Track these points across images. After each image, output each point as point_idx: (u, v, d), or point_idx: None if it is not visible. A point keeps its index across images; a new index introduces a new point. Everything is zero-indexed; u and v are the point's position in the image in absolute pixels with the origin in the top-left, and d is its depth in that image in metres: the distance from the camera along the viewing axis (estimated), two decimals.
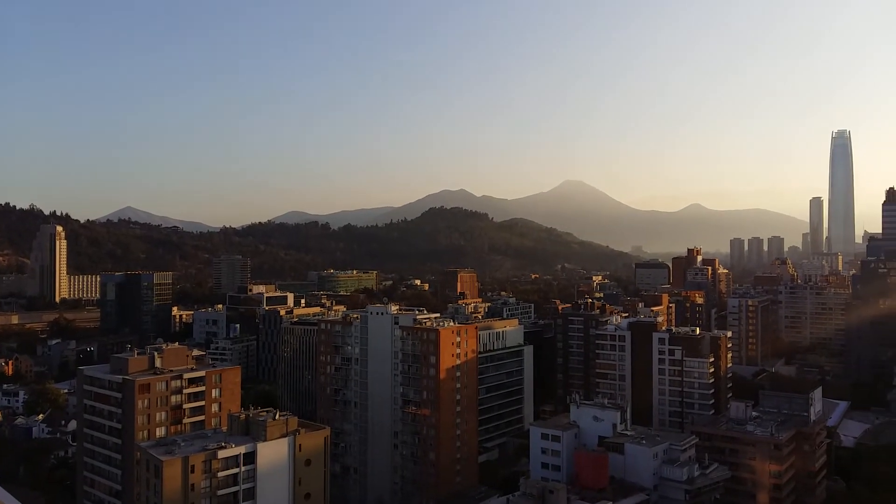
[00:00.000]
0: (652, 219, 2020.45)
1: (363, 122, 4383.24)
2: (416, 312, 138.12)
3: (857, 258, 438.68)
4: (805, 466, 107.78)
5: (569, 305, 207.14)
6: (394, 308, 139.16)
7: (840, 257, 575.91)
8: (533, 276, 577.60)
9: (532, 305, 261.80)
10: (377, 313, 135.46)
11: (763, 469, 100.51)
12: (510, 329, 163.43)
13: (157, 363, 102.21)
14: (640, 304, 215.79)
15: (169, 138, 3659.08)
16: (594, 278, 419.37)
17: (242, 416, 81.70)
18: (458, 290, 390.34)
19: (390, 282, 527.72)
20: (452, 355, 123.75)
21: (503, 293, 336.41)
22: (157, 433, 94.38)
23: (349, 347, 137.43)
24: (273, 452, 77.97)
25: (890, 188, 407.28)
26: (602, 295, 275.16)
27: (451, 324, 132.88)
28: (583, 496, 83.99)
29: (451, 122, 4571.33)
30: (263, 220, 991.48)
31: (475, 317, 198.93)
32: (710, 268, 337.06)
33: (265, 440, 77.67)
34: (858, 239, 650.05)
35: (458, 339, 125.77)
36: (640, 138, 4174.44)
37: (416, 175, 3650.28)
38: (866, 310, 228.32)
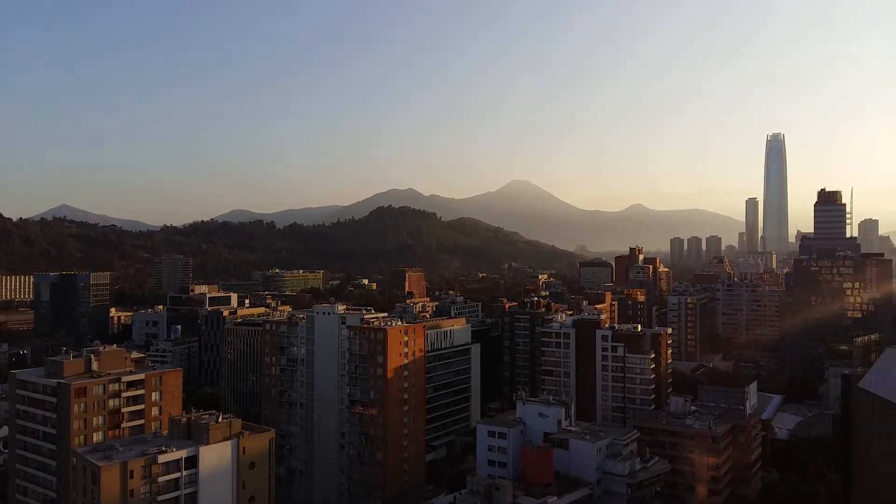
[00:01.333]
0: (596, 218, 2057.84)
1: (310, 121, 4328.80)
2: (364, 312, 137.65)
3: (790, 257, 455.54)
4: (741, 458, 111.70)
5: (515, 304, 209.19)
6: (341, 308, 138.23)
7: (774, 256, 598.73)
8: (480, 275, 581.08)
9: (479, 304, 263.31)
10: (324, 313, 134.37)
11: (701, 462, 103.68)
12: (458, 328, 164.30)
13: (94, 366, 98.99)
14: (585, 302, 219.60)
15: (107, 135, 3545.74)
16: (540, 277, 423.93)
17: (184, 419, 79.87)
18: (406, 289, 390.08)
19: (337, 281, 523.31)
20: (400, 354, 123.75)
21: (451, 292, 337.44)
22: (95, 438, 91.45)
23: (295, 348, 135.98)
24: (216, 456, 76.52)
25: (821, 189, 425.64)
26: (548, 293, 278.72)
27: (399, 323, 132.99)
28: (528, 492, 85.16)
29: (401, 122, 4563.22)
30: (206, 218, 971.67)
31: (423, 316, 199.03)
32: (651, 266, 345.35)
33: (207, 443, 76.14)
34: (792, 238, 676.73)
35: (406, 338, 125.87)
36: (585, 139, 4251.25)
37: (364, 174, 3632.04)
38: (799, 307, 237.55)
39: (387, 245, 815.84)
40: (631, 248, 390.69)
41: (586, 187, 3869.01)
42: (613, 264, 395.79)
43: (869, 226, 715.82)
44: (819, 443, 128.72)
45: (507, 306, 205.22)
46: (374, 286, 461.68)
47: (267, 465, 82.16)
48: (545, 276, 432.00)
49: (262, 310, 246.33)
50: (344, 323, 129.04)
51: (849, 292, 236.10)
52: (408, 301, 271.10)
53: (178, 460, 73.74)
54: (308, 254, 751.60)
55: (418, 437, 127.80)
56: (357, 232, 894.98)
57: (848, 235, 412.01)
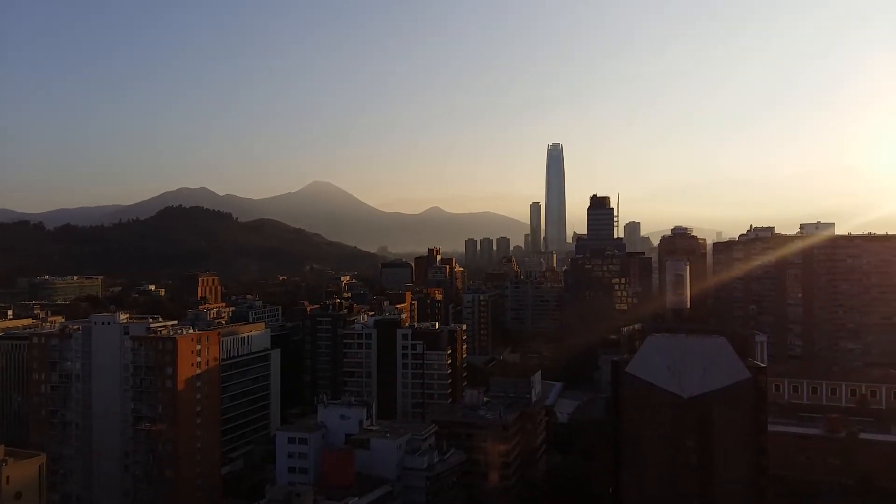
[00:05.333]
0: (396, 220, 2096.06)
1: (85, 111, 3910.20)
2: (151, 320, 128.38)
3: (568, 256, 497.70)
4: (528, 444, 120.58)
5: (317, 306, 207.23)
6: (123, 317, 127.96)
7: (555, 255, 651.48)
8: (281, 278, 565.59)
9: (280, 308, 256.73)
10: (103, 323, 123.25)
11: (493, 450, 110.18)
12: (256, 333, 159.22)
13: None
14: (386, 303, 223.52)
15: None
16: (343, 279, 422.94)
17: None
18: (199, 294, 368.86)
19: (119, 288, 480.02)
20: (192, 364, 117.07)
21: (249, 296, 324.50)
22: None
23: (69, 363, 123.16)
24: None
25: (593, 195, 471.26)
26: (350, 295, 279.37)
27: (191, 331, 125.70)
28: (330, 495, 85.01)
29: (193, 117, 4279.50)
30: None
31: (218, 322, 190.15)
32: (448, 266, 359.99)
33: None
34: (569, 239, 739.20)
35: (199, 346, 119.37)
36: (385, 142, 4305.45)
37: (150, 171, 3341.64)
38: (575, 301, 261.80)
39: (177, 248, 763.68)
40: (429, 249, 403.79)
41: (387, 190, 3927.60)
42: (413, 265, 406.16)
43: (633, 228, 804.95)
44: (594, 424, 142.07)
45: (308, 309, 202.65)
46: (163, 292, 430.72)
47: (37, 493, 73.86)
48: (347, 278, 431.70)
49: (28, 321, 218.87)
50: (127, 333, 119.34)
51: (617, 287, 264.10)
52: (201, 307, 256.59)
53: None
54: (84, 258, 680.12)
55: (213, 451, 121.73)
56: (142, 234, 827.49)
57: (616, 236, 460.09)
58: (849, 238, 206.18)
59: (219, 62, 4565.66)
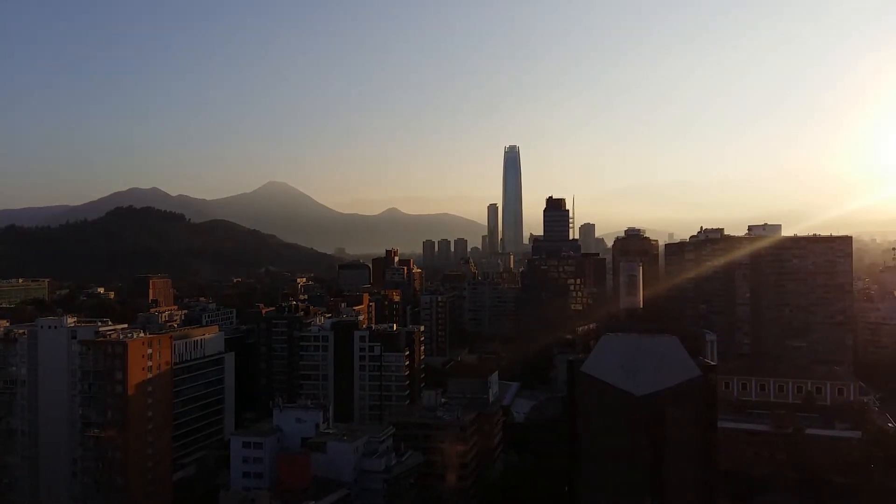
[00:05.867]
0: (353, 221, 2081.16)
1: (29, 109, 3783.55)
2: (100, 324, 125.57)
3: (524, 257, 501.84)
4: (485, 444, 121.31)
5: (273, 309, 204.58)
6: (71, 320, 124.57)
7: (512, 256, 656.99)
8: (236, 280, 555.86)
9: (234, 311, 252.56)
10: (50, 327, 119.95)
11: (451, 450, 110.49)
12: (209, 337, 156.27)
13: None
14: (343, 305, 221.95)
15: None
16: (299, 280, 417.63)
17: None
18: (151, 297, 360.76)
19: (67, 291, 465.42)
20: (143, 369, 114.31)
21: (202, 299, 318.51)
22: None
23: (14, 368, 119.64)
24: None
25: (549, 197, 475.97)
26: (307, 297, 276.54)
27: (142, 335, 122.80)
28: (286, 500, 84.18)
29: (141, 114, 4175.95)
30: None
31: (170, 326, 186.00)
32: (406, 268, 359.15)
33: None
34: (526, 240, 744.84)
35: (150, 350, 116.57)
36: (342, 143, 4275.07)
37: (98, 171, 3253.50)
38: (532, 301, 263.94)
39: (128, 250, 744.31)
40: (387, 251, 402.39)
41: (344, 191, 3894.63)
42: (371, 266, 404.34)
43: (587, 229, 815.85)
44: (550, 423, 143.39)
45: (264, 312, 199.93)
46: (113, 295, 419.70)
47: None
48: (304, 280, 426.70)
49: None
50: (75, 337, 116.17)
51: (572, 287, 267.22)
52: (152, 310, 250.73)
53: None
54: (30, 260, 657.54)
55: (165, 457, 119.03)
56: (91, 235, 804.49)
57: (571, 238, 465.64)
58: (795, 239, 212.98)
59: (171, 60, 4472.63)
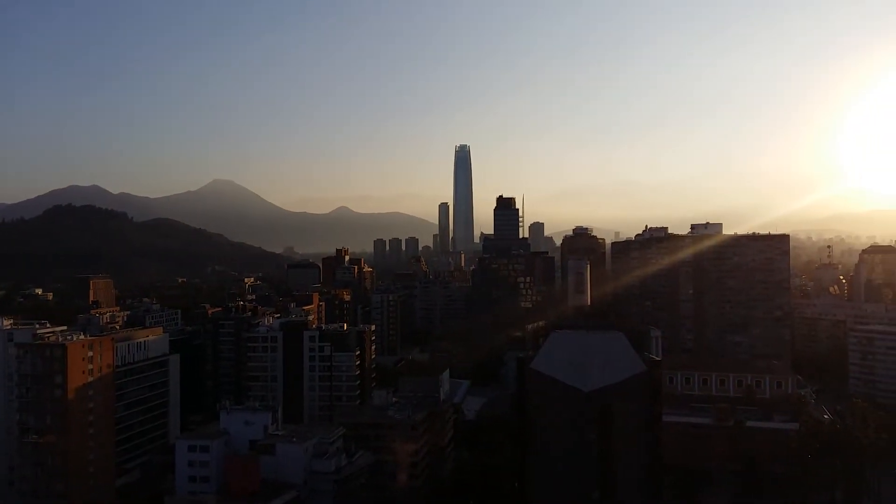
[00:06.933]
0: (303, 220, 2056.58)
1: None
2: (38, 326, 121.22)
3: (475, 256, 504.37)
4: (437, 442, 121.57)
5: (219, 309, 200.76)
6: (6, 322, 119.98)
7: (463, 255, 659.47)
8: (181, 281, 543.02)
9: (179, 312, 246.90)
10: None
11: (402, 450, 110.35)
12: (153, 338, 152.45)
13: None
14: (293, 304, 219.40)
15: None
16: (246, 280, 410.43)
17: None
18: (91, 298, 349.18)
19: (3, 292, 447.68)
20: (84, 372, 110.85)
21: (146, 300, 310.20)
22: None
23: None
24: None
25: (499, 196, 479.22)
26: (255, 297, 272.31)
27: (83, 337, 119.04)
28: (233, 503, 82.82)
29: (82, 109, 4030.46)
30: None
31: (112, 327, 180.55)
32: (356, 267, 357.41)
33: None
34: (477, 239, 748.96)
35: (91, 353, 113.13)
36: (291, 141, 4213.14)
37: (36, 167, 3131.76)
38: (483, 300, 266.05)
39: (66, 249, 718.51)
40: (337, 250, 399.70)
41: (293, 189, 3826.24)
42: (321, 266, 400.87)
43: (537, 228, 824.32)
44: (501, 420, 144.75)
45: (210, 312, 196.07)
46: (51, 297, 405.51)
47: None
48: (251, 280, 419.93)
49: None
50: (11, 340, 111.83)
51: (522, 285, 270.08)
52: (93, 312, 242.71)
53: None
54: None
55: (107, 462, 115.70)
56: (28, 234, 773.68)
57: (521, 236, 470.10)
58: (735, 238, 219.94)
59: (113, 54, 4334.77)
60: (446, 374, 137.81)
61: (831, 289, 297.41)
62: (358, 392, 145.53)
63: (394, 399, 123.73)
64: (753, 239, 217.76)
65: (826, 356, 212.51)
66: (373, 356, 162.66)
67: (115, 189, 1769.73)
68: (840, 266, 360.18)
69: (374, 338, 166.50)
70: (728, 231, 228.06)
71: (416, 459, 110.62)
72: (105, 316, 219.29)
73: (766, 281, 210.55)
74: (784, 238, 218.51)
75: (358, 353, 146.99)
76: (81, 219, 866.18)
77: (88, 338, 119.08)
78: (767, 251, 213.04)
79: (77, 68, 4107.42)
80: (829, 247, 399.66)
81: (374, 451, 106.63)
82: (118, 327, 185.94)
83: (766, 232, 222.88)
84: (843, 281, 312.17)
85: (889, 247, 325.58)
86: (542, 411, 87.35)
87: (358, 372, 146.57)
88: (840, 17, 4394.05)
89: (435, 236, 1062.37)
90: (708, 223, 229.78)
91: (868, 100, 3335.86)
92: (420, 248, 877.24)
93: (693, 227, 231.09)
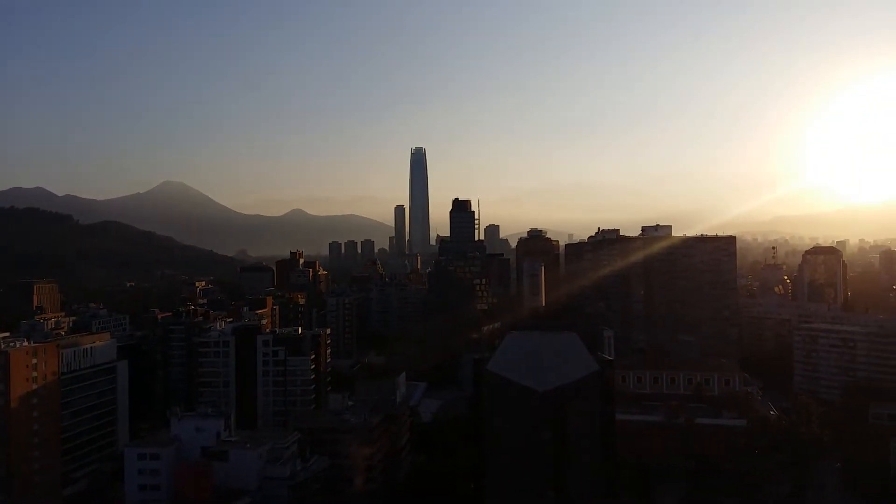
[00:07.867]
0: (256, 223, 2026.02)
1: None
2: None
3: (431, 258, 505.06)
4: (393, 446, 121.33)
5: (170, 314, 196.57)
6: None
7: (419, 257, 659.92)
8: (129, 285, 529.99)
9: (128, 316, 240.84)
10: None
11: (358, 453, 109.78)
12: (100, 344, 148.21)
13: None
14: (246, 308, 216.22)
15: None
16: (198, 284, 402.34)
17: None
18: (35, 304, 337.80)
19: None
20: (27, 380, 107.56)
21: (93, 305, 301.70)
22: None
23: None
24: None
25: (455, 198, 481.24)
26: (206, 301, 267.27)
27: (26, 343, 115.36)
28: None
29: (24, 108, 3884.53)
30: None
31: (57, 333, 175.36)
32: (311, 270, 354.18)
33: None
34: (433, 241, 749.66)
35: (35, 360, 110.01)
36: (243, 142, 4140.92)
37: None
38: (439, 302, 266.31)
39: (8, 253, 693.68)
40: (292, 253, 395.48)
41: (246, 191, 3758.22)
42: (275, 269, 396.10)
43: (492, 230, 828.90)
44: (457, 422, 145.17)
45: (160, 317, 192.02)
46: None
47: None
48: (203, 284, 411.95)
49: None
50: None
51: (478, 287, 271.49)
52: (37, 318, 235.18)
53: None
54: None
55: (53, 472, 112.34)
56: None
57: (477, 238, 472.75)
58: (684, 240, 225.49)
59: (56, 52, 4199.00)
60: (402, 376, 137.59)
61: (776, 289, 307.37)
62: (313, 396, 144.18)
63: (350, 403, 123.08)
64: (702, 241, 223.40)
65: (772, 354, 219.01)
66: (328, 360, 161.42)
67: (60, 191, 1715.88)
68: (784, 266, 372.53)
69: (329, 341, 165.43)
70: (678, 233, 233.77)
71: (373, 463, 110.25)
72: (50, 321, 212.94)
73: (715, 281, 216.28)
74: (731, 240, 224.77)
75: (313, 356, 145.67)
76: (24, 222, 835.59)
77: (32, 344, 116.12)
78: (715, 252, 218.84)
79: (19, 65, 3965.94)
80: (773, 248, 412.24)
81: (330, 456, 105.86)
82: (63, 333, 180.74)
83: (715, 234, 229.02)
84: (788, 281, 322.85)
85: (831, 248, 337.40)
86: (497, 412, 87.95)
87: (313, 376, 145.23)
88: (787, 24, 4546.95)
89: (391, 239, 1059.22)
90: (658, 225, 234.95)
91: (812, 106, 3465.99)
92: (376, 251, 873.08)
93: (644, 229, 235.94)
